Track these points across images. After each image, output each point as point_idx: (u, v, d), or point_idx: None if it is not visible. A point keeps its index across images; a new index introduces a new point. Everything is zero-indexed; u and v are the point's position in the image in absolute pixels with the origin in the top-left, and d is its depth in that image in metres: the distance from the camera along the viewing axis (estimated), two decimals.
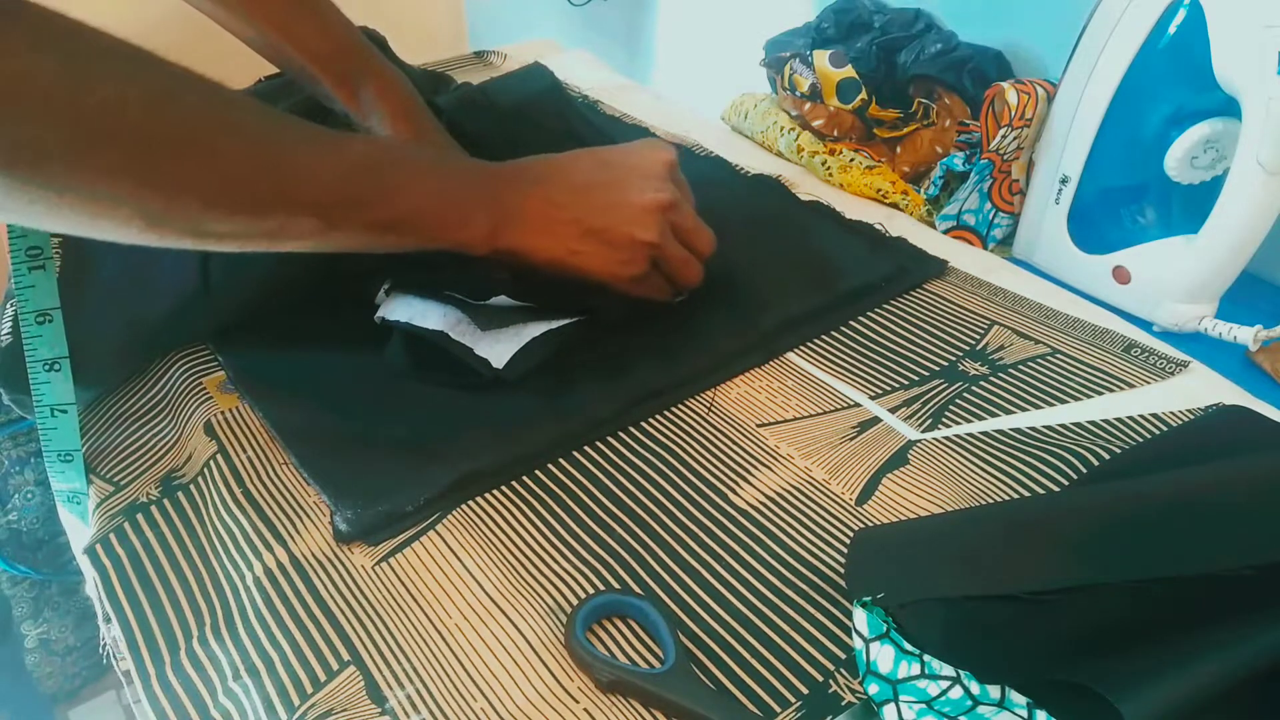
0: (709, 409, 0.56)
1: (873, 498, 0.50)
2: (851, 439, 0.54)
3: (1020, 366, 0.59)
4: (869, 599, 0.41)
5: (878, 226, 0.73)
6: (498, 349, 0.55)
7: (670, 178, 0.56)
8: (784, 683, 0.40)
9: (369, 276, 0.60)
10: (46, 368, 0.51)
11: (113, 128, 0.37)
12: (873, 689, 0.39)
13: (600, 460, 0.52)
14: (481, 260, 0.53)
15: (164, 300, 0.57)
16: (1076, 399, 0.56)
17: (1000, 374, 0.58)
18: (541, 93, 0.76)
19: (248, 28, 0.61)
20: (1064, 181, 0.75)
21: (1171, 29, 0.67)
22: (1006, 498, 0.49)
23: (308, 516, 0.49)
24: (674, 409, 0.56)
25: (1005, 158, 0.78)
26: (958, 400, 0.56)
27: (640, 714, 0.39)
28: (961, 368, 0.59)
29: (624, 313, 0.59)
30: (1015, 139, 0.77)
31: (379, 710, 0.40)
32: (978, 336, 0.62)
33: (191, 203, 0.41)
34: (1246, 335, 0.66)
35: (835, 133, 0.89)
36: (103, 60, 0.38)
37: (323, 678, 0.41)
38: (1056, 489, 0.49)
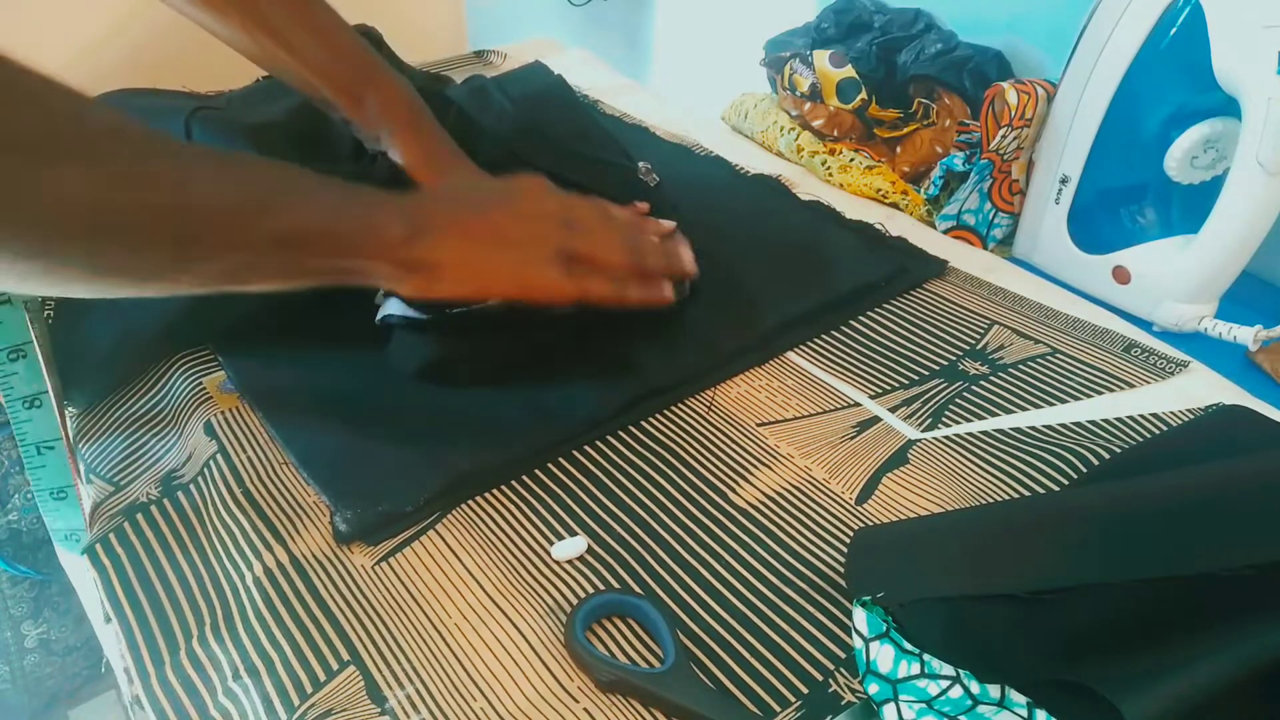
0: (709, 408, 0.56)
1: (873, 497, 0.50)
2: (851, 438, 0.54)
3: (1020, 366, 0.59)
4: (869, 598, 0.41)
5: (878, 226, 0.73)
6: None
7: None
8: (784, 682, 0.40)
9: None
10: (26, 405, 0.50)
11: None
12: (873, 688, 0.39)
13: (600, 460, 0.52)
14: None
15: (163, 304, 0.57)
16: (1076, 399, 0.56)
17: (1000, 374, 0.58)
18: (549, 87, 0.77)
19: (245, 39, 0.59)
20: (1064, 181, 0.75)
21: (1172, 29, 0.67)
22: (1006, 498, 0.49)
23: (308, 516, 0.49)
24: (673, 408, 0.56)
25: (1005, 158, 0.78)
26: (958, 400, 0.56)
27: (640, 714, 0.39)
28: (961, 367, 0.59)
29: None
30: (1015, 139, 0.77)
31: (379, 710, 0.40)
32: (978, 336, 0.62)
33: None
34: (1246, 335, 0.66)
35: (835, 133, 0.89)
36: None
37: (322, 678, 0.41)
38: (1056, 489, 0.49)
